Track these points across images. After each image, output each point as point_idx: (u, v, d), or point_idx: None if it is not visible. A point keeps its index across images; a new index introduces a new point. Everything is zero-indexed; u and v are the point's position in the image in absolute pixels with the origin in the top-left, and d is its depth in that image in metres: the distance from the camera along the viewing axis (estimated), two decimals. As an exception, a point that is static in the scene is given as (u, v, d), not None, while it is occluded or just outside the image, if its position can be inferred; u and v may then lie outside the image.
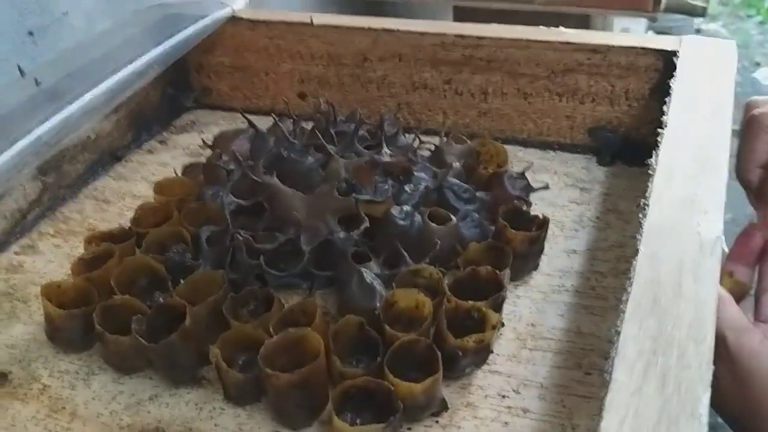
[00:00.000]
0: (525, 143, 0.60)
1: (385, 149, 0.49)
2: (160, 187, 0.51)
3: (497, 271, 0.41)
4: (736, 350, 0.39)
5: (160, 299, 0.42)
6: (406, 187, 0.47)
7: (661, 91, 0.53)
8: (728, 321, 0.40)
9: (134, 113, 0.63)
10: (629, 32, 1.45)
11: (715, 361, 0.38)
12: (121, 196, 0.57)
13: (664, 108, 0.46)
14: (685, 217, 0.37)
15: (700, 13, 1.22)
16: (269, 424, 0.38)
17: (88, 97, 0.52)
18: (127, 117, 0.62)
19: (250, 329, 0.40)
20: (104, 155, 0.60)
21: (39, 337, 0.44)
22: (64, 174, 0.57)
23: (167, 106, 0.66)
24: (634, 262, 0.35)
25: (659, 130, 0.44)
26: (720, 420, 0.42)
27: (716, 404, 0.42)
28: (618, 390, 0.29)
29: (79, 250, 0.49)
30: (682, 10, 1.18)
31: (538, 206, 0.52)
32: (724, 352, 0.40)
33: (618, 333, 0.32)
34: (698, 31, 2.52)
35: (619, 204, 0.52)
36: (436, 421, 0.38)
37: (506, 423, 0.38)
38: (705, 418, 0.29)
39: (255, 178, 0.46)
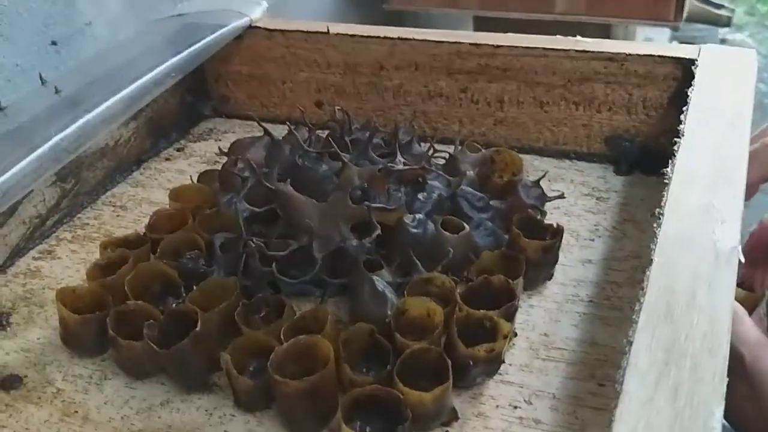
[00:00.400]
0: (541, 152, 0.60)
1: (399, 157, 0.49)
2: (175, 194, 0.52)
3: (510, 281, 0.41)
4: (753, 368, 0.38)
5: (173, 305, 0.43)
6: (420, 196, 0.47)
7: (679, 100, 0.52)
8: (744, 337, 0.39)
9: (153, 121, 0.64)
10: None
11: (732, 378, 0.38)
12: (138, 203, 0.57)
13: (682, 117, 0.45)
14: (701, 227, 0.37)
15: (725, 23, 1.21)
16: (278, 431, 0.38)
17: (106, 104, 0.53)
18: (145, 125, 0.63)
19: (261, 336, 0.40)
20: (123, 162, 0.61)
21: (54, 342, 0.45)
22: (82, 180, 0.58)
23: (185, 114, 0.67)
24: (648, 271, 0.34)
25: (676, 139, 0.43)
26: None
27: (732, 421, 0.42)
28: (629, 401, 0.29)
29: (96, 255, 0.50)
30: (706, 20, 1.17)
31: (553, 215, 0.51)
32: (740, 369, 0.39)
33: (630, 343, 0.31)
34: (723, 41, 2.50)
35: (636, 214, 0.52)
36: (446, 431, 0.37)
37: (517, 434, 0.37)
38: (718, 431, 0.28)
39: (269, 185, 0.47)
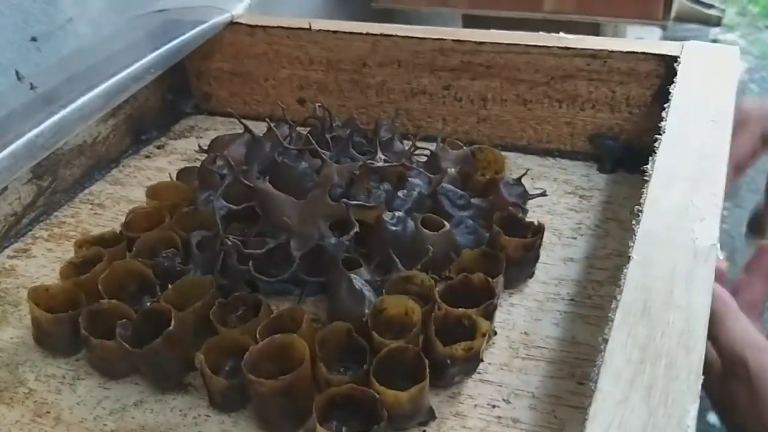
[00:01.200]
0: (525, 150, 0.59)
1: (380, 155, 0.48)
2: (153, 192, 0.51)
3: (489, 279, 0.41)
4: (757, 371, 0.38)
5: (148, 304, 0.42)
6: (400, 193, 0.47)
7: (663, 98, 0.52)
8: (744, 339, 0.38)
9: (133, 118, 0.63)
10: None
11: (732, 381, 0.37)
12: (117, 201, 0.57)
13: (663, 114, 0.45)
14: (680, 225, 0.37)
15: (715, 22, 1.21)
16: (254, 432, 0.38)
17: (82, 100, 0.52)
18: (125, 122, 0.62)
19: (236, 335, 0.39)
20: (101, 160, 0.60)
21: (27, 341, 0.44)
22: (59, 178, 0.57)
23: (167, 111, 0.66)
24: (625, 269, 0.34)
25: (657, 136, 0.43)
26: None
27: (733, 424, 0.41)
28: (603, 399, 0.28)
29: (73, 254, 0.49)
30: (696, 20, 1.16)
31: (536, 214, 0.51)
32: (742, 372, 0.38)
33: (606, 341, 0.31)
34: (715, 42, 2.50)
35: (619, 212, 0.51)
36: (424, 431, 0.37)
37: (495, 434, 0.37)
38: (692, 430, 0.28)
39: (247, 182, 0.46)
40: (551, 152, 0.59)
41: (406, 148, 0.52)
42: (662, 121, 0.45)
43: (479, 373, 0.40)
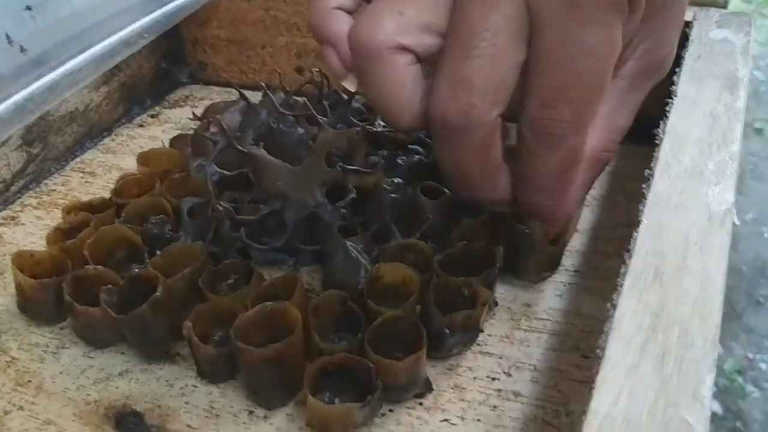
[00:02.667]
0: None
1: (379, 120, 0.47)
2: (144, 158, 0.49)
3: (491, 247, 0.39)
4: None
5: (136, 271, 0.40)
6: (399, 160, 0.45)
7: (674, 65, 0.50)
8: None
9: (126, 86, 0.61)
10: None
11: None
12: (108, 170, 0.55)
13: (675, 78, 0.43)
14: (694, 189, 0.35)
15: (721, 4, 1.19)
16: (243, 403, 0.36)
17: (72, 63, 0.50)
18: (118, 90, 0.60)
19: (226, 303, 0.38)
20: (93, 128, 0.59)
21: (12, 309, 0.42)
22: (50, 145, 0.55)
23: (161, 80, 0.64)
24: (635, 233, 0.32)
25: (668, 100, 0.41)
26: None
27: None
28: (612, 368, 0.27)
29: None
30: (700, 2, 1.14)
31: (540, 185, 0.49)
32: None
33: (614, 307, 0.29)
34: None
35: (626, 183, 0.49)
36: (420, 403, 0.35)
37: (495, 407, 0.35)
38: (708, 401, 0.26)
39: (240, 148, 0.44)
40: (557, 124, 0.57)
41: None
42: (673, 86, 0.43)
43: (479, 344, 0.38)
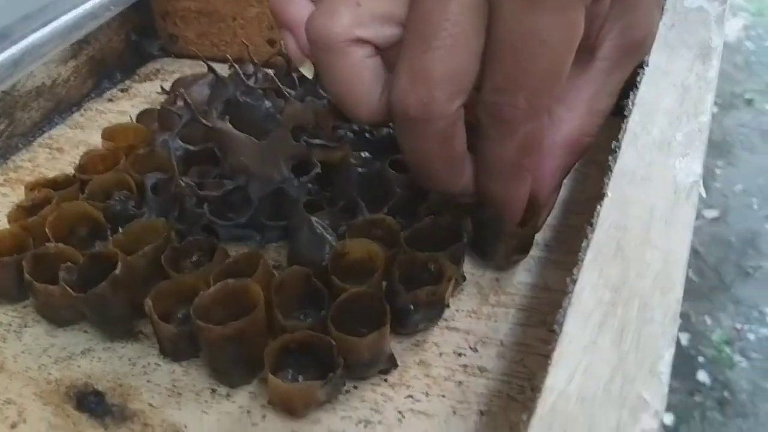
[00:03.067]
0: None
1: (348, 93, 0.45)
2: (109, 134, 0.48)
3: (458, 221, 0.38)
4: None
5: (96, 249, 0.39)
6: (367, 134, 0.44)
7: (649, 36, 0.49)
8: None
9: (95, 60, 0.60)
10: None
11: None
12: (76, 145, 0.54)
13: (647, 48, 0.42)
14: (661, 161, 0.34)
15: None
16: (205, 381, 0.36)
17: (34, 36, 0.49)
18: (87, 64, 0.59)
19: (188, 280, 0.37)
20: (61, 103, 0.57)
21: (-26, 289, 0.42)
22: (16, 121, 0.54)
23: (131, 53, 0.63)
24: (599, 206, 0.31)
25: (638, 70, 0.40)
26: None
27: None
28: (569, 343, 0.26)
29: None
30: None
31: (513, 158, 0.48)
32: None
33: (574, 282, 0.28)
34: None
35: (598, 155, 0.48)
36: (385, 380, 0.35)
37: (460, 382, 0.35)
38: (666, 377, 0.26)
39: (204, 122, 0.43)
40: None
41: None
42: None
43: (445, 320, 0.38)
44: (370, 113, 0.31)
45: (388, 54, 0.30)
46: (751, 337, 1.31)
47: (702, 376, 1.26)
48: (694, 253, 1.41)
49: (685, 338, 1.32)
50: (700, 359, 1.27)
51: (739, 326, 1.33)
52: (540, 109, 0.30)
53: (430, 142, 0.30)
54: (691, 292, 1.34)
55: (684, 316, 1.31)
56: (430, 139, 0.30)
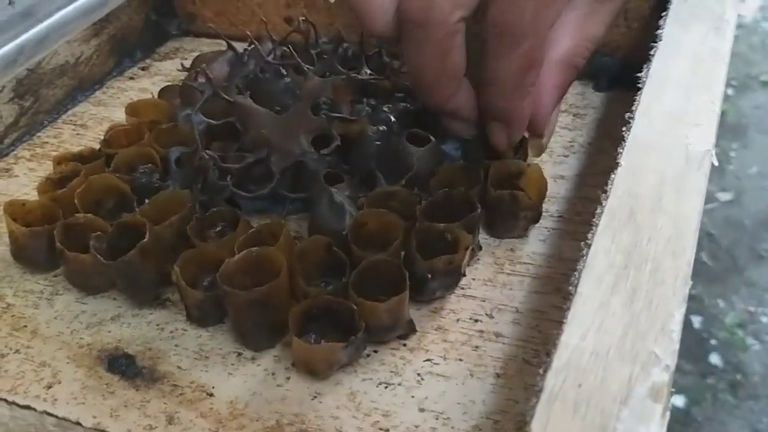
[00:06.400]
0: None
1: (366, 69, 0.46)
2: (132, 109, 0.49)
3: (470, 192, 0.39)
4: None
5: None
6: (385, 107, 0.45)
7: (662, 11, 0.49)
8: None
9: (116, 39, 0.61)
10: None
11: None
12: (99, 122, 0.55)
13: (661, 22, 0.43)
14: (674, 131, 0.35)
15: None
16: (231, 345, 0.37)
17: (59, 14, 0.50)
18: (108, 42, 0.60)
19: (213, 249, 0.38)
20: (84, 81, 0.59)
21: (7, 258, 0.43)
22: (42, 98, 0.55)
23: (151, 32, 0.64)
24: (613, 175, 0.32)
25: (653, 44, 0.41)
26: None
27: None
28: (582, 303, 0.27)
29: (52, 173, 0.48)
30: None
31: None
32: None
33: (588, 246, 0.29)
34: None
35: (614, 130, 0.49)
36: (404, 344, 0.36)
37: (477, 347, 0.36)
38: (677, 335, 0.27)
39: (226, 97, 0.44)
40: (547, 72, 0.56)
41: (394, 65, 0.50)
42: (659, 30, 0.43)
43: (462, 288, 0.39)
44: (384, 25, 0.34)
45: None
46: (764, 319, 1.31)
47: (714, 358, 1.26)
48: (708, 235, 1.41)
49: (697, 321, 1.32)
50: (713, 342, 1.27)
51: (752, 309, 1.33)
52: (543, 25, 0.33)
53: (429, 52, 0.33)
54: (704, 274, 1.34)
55: (697, 298, 1.31)
56: (430, 48, 0.33)
